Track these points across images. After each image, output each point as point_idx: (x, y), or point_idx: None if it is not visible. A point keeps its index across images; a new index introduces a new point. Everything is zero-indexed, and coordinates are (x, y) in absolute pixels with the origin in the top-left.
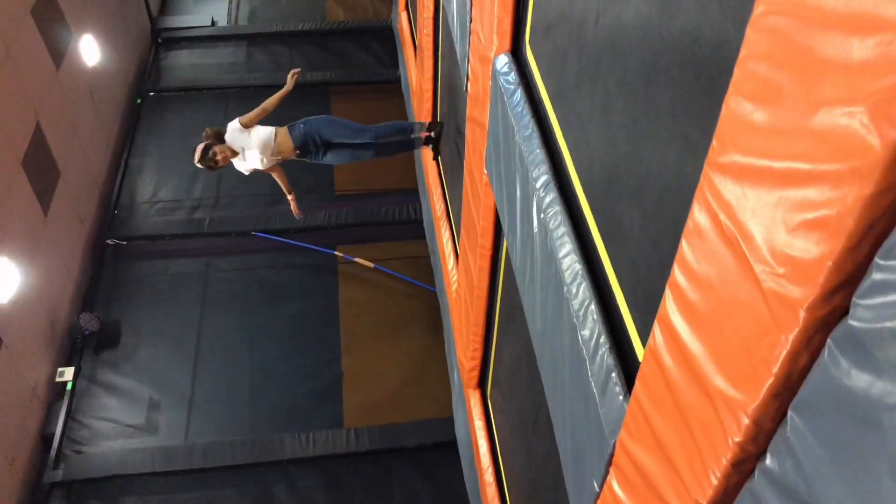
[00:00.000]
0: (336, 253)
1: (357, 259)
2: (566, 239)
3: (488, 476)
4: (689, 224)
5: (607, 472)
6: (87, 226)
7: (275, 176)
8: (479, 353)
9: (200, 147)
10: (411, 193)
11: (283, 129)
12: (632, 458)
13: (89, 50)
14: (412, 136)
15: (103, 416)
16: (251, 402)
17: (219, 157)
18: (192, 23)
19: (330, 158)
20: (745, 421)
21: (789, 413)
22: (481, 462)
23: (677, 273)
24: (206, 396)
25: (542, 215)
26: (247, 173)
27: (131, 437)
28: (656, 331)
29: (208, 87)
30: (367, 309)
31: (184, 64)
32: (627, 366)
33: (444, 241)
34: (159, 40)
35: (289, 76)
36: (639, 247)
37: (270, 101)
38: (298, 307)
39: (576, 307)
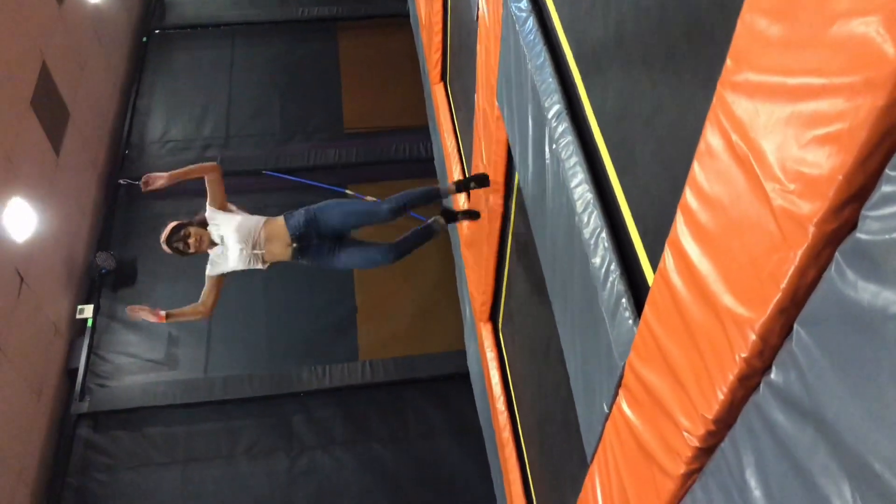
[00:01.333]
0: (347, 191)
1: (368, 198)
2: (578, 168)
3: (500, 405)
4: (701, 146)
5: (616, 394)
6: (98, 166)
7: (207, 285)
8: (490, 288)
9: (172, 225)
10: (422, 131)
11: (278, 218)
12: (641, 378)
13: None
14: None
15: (124, 352)
16: (268, 336)
17: (191, 240)
18: None
19: (337, 260)
20: (752, 337)
21: (795, 327)
22: (493, 391)
23: (688, 195)
24: (224, 332)
25: (554, 146)
26: (211, 272)
27: (152, 371)
28: (667, 254)
29: (214, 24)
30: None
31: (188, 1)
32: (637, 291)
33: (456, 177)
34: None
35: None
36: (651, 173)
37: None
38: None
39: (587, 236)
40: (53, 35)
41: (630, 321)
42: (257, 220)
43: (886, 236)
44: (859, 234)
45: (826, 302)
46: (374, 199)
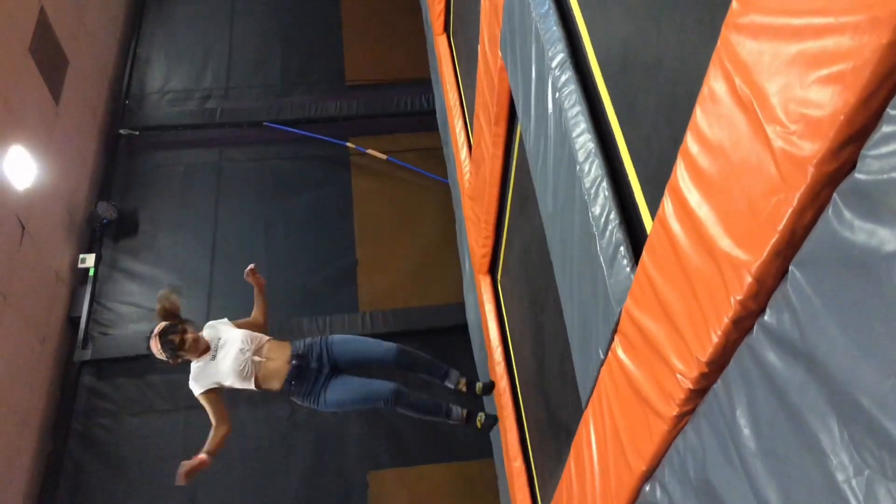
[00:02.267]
0: (348, 144)
1: (369, 150)
2: (580, 118)
3: (497, 355)
4: (703, 90)
5: (612, 340)
6: (98, 116)
7: (208, 405)
8: (490, 241)
9: (164, 324)
10: (424, 83)
11: (285, 340)
12: (636, 324)
13: None
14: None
15: (126, 301)
16: (269, 287)
17: (189, 337)
18: None
19: (332, 391)
20: (748, 279)
21: (790, 269)
22: (491, 343)
23: (690, 140)
24: (225, 283)
25: (557, 95)
26: (197, 386)
27: (153, 320)
28: (666, 200)
29: None
30: (380, 200)
31: None
32: (636, 240)
33: (458, 131)
34: None
35: (247, 277)
36: (653, 121)
37: (258, 309)
38: (312, 198)
39: (588, 185)
40: None
41: (627, 269)
42: (260, 336)
43: (885, 176)
44: (858, 175)
45: (822, 243)
46: (382, 154)
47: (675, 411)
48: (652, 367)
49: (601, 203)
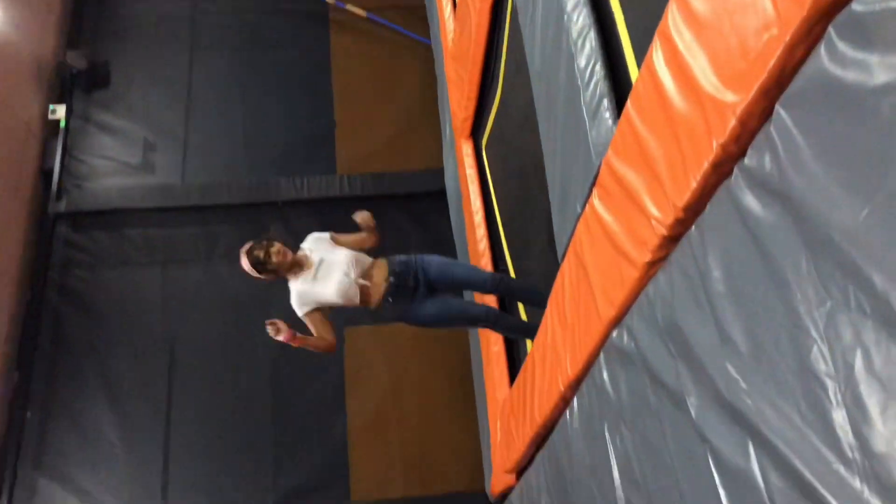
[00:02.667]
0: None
1: (349, 6)
2: None
3: (478, 218)
4: None
5: (590, 194)
6: None
7: (312, 325)
8: (473, 103)
9: (249, 244)
10: None
11: (381, 259)
12: (615, 174)
13: None
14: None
15: (100, 154)
16: (245, 145)
17: (274, 249)
18: None
19: (430, 307)
20: (732, 122)
21: (776, 108)
22: (472, 206)
23: None
24: (201, 139)
25: None
26: (302, 308)
27: (129, 175)
28: (655, 45)
29: None
30: (359, 60)
31: None
32: (621, 93)
33: None
34: None
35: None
36: None
37: (368, 237)
38: (289, 55)
39: (574, 36)
40: None
41: (610, 121)
42: (364, 255)
43: (882, 5)
44: (854, 6)
45: (811, 80)
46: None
47: (647, 258)
48: (627, 216)
49: (587, 54)
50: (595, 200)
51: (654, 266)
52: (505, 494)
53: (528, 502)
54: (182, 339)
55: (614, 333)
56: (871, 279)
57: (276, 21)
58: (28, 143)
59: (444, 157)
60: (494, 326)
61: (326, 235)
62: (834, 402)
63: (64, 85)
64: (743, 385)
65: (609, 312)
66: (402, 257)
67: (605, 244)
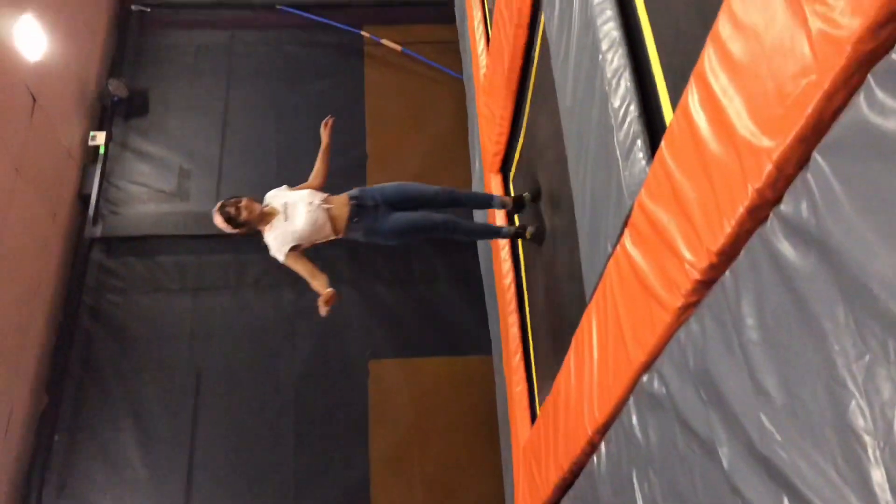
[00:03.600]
0: (363, 33)
1: (384, 41)
2: (607, 4)
3: (504, 253)
4: None
5: (622, 233)
6: None
7: (295, 265)
8: (504, 138)
9: (220, 202)
10: None
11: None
12: (648, 216)
13: None
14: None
15: (136, 181)
16: (278, 174)
17: (243, 204)
18: None
19: (393, 221)
20: (768, 167)
21: (813, 155)
22: (498, 241)
23: (721, 24)
24: (235, 167)
25: None
26: (282, 249)
27: (164, 201)
28: (690, 87)
29: None
30: (392, 92)
31: None
32: (654, 133)
33: (476, 23)
34: None
35: (323, 129)
36: (682, 7)
37: (319, 171)
38: (324, 86)
39: (609, 76)
40: None
41: (643, 161)
42: (322, 193)
43: None
44: (894, 55)
45: (849, 128)
46: (397, 45)
47: (679, 302)
48: (660, 259)
49: (622, 94)
50: (626, 241)
51: (686, 310)
52: None
53: None
54: (208, 366)
55: (644, 377)
56: None
57: (311, 53)
58: (68, 168)
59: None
60: (456, 231)
61: (283, 187)
62: (872, 459)
63: (104, 112)
64: (777, 437)
65: (639, 356)
66: (357, 189)
67: (636, 286)
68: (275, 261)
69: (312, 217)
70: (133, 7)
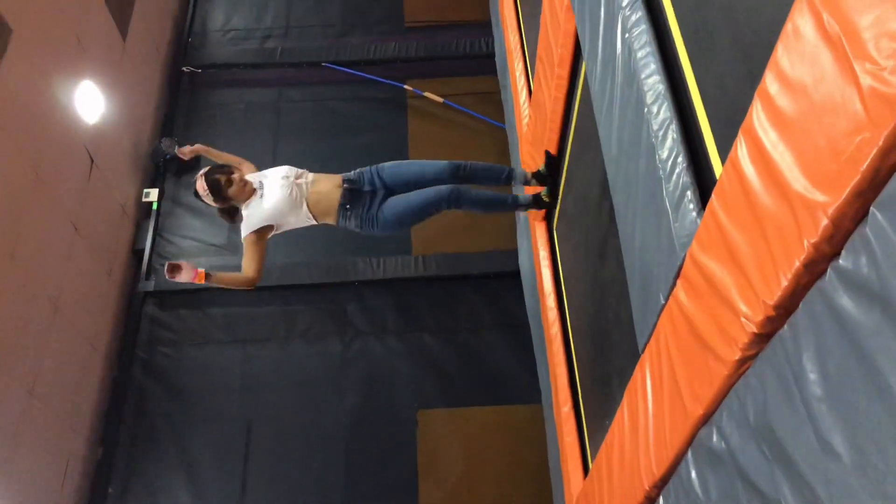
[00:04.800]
0: (406, 87)
1: (427, 93)
2: (650, 59)
3: (550, 301)
4: (787, 27)
5: (674, 285)
6: (162, 52)
7: (250, 247)
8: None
9: (208, 167)
10: (483, 26)
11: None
12: (701, 268)
13: None
14: (511, 190)
15: (187, 235)
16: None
17: (235, 176)
18: None
19: (389, 207)
20: (824, 221)
21: (871, 210)
22: (544, 289)
23: (769, 80)
24: None
25: (626, 35)
26: (249, 227)
27: (214, 255)
28: (739, 141)
29: None
30: (435, 143)
31: None
32: (703, 184)
33: (517, 74)
34: None
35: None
36: (728, 60)
37: (234, 158)
38: (369, 139)
39: (655, 128)
40: None
41: (694, 213)
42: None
43: None
44: None
45: None
46: (439, 97)
47: (737, 355)
48: (715, 312)
49: (669, 146)
50: (680, 293)
51: (743, 364)
52: None
53: None
54: (258, 418)
55: (702, 431)
56: None
57: (355, 107)
58: (123, 224)
59: (518, 236)
60: (462, 202)
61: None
62: None
63: (157, 169)
64: (846, 496)
65: (697, 410)
66: (357, 169)
67: (691, 339)
68: (319, 310)
69: (285, 193)
70: (184, 69)
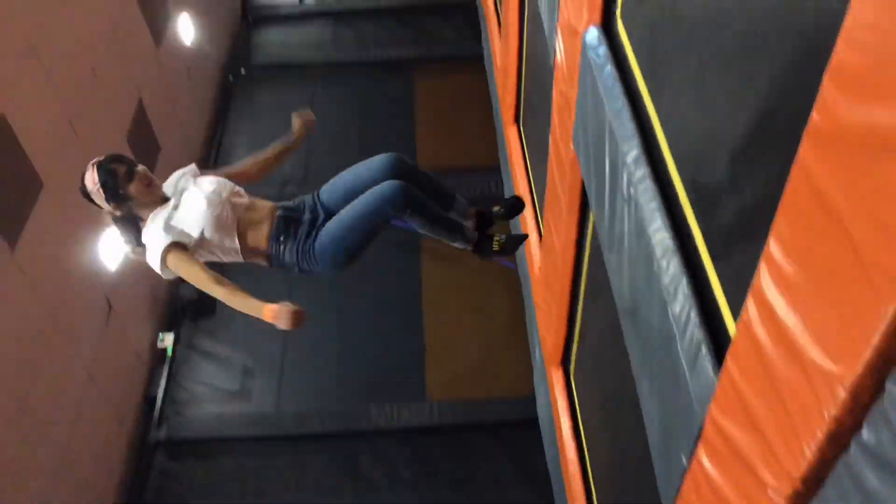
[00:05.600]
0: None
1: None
2: (657, 214)
3: (570, 453)
4: (786, 196)
5: (696, 447)
6: None
7: (182, 266)
8: (562, 330)
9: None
10: (493, 171)
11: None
12: (722, 432)
13: (186, 28)
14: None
15: (201, 381)
16: (338, 372)
17: (139, 170)
18: (281, 1)
19: (325, 230)
20: (842, 394)
21: (887, 386)
22: (563, 439)
23: (773, 246)
24: (296, 364)
25: (632, 190)
26: (159, 248)
27: (227, 401)
28: (750, 305)
29: (297, 65)
30: (448, 285)
31: (273, 42)
32: (718, 340)
33: (527, 218)
34: (250, 19)
35: (296, 121)
36: (732, 220)
37: (261, 159)
38: (383, 282)
39: (666, 283)
40: (150, 74)
41: (710, 371)
42: (231, 185)
43: None
44: None
45: None
46: None
47: None
48: (741, 481)
49: (681, 302)
50: (703, 458)
51: None
52: None
53: None
54: None
55: None
56: None
57: (371, 251)
58: (137, 371)
59: (536, 383)
60: (409, 205)
61: (192, 165)
62: None
63: (174, 314)
64: None
65: None
66: (299, 197)
67: None
68: (331, 462)
69: (216, 209)
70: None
